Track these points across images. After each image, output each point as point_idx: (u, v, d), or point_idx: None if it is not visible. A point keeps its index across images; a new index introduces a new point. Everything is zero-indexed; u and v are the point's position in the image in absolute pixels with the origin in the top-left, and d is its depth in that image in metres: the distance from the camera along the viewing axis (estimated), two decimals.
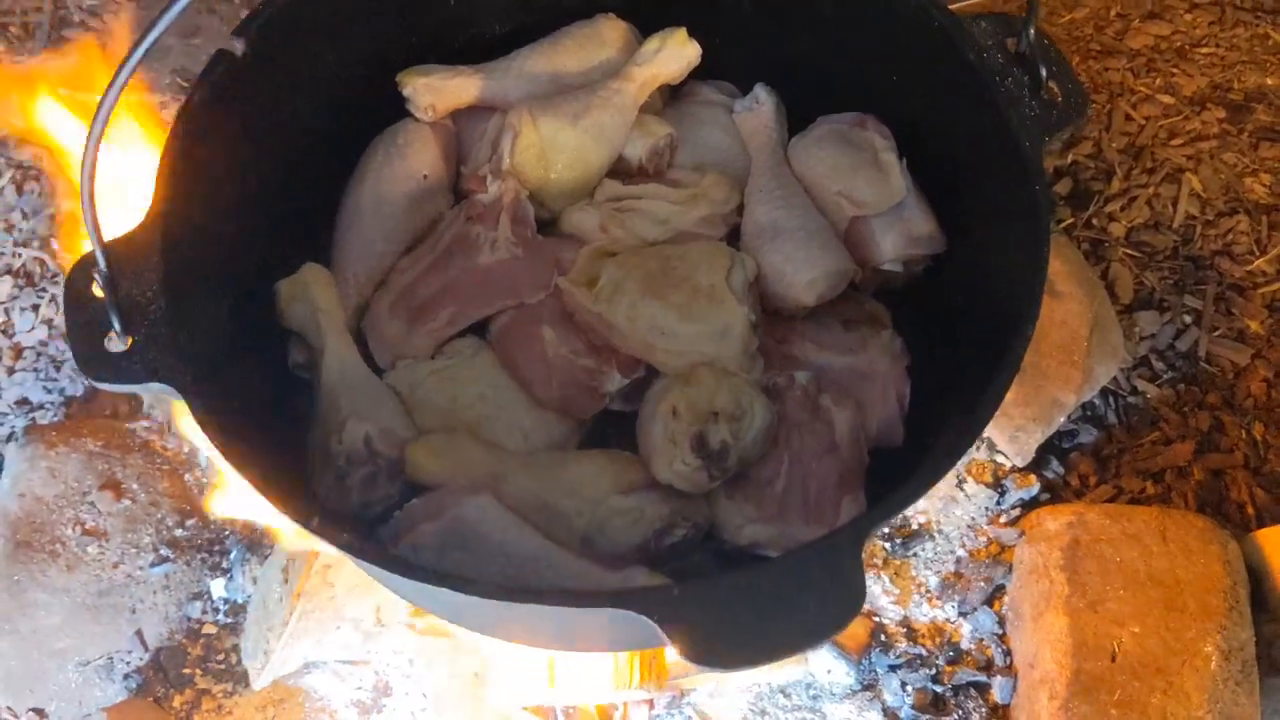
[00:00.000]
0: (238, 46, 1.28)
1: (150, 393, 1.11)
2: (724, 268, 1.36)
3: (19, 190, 2.25)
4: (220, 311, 1.29)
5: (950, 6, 1.34)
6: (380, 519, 1.29)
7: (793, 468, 1.33)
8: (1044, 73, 1.26)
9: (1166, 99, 2.35)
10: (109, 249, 1.11)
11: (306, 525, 1.07)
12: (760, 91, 1.55)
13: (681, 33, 1.50)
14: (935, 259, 1.46)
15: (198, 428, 1.10)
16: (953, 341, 1.33)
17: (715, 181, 1.50)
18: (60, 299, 2.11)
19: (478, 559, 1.20)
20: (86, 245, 1.85)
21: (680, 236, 1.46)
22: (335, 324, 1.39)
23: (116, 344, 1.14)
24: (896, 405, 1.41)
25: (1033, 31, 1.26)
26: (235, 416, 1.14)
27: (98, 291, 1.14)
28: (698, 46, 1.52)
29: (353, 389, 1.35)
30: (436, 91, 1.50)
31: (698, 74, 1.56)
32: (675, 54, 1.51)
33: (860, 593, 0.97)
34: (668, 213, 1.46)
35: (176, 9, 0.99)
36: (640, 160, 1.51)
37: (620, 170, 1.52)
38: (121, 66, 1.00)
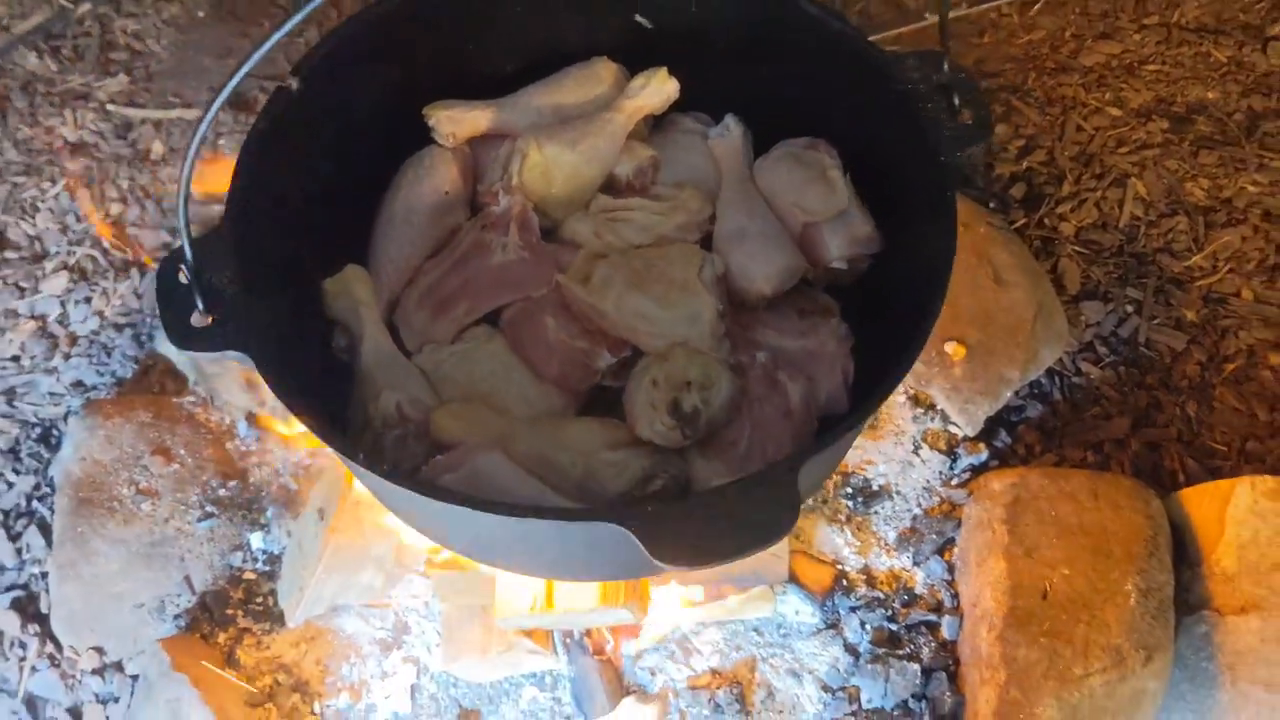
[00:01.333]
0: (293, 84, 1.41)
1: (227, 359, 1.23)
2: (696, 265, 1.49)
3: (72, 195, 2.40)
4: (280, 300, 1.41)
5: (873, 37, 1.52)
6: (409, 473, 1.40)
7: (754, 431, 1.44)
8: (957, 100, 1.39)
9: (1115, 111, 2.47)
10: (194, 245, 1.25)
11: (355, 460, 1.19)
12: (730, 120, 1.67)
13: (663, 72, 1.62)
14: (875, 258, 1.58)
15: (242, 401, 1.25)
16: (888, 325, 1.41)
17: (691, 195, 1.62)
18: (110, 293, 2.25)
19: None
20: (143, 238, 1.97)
21: (661, 240, 1.57)
22: (372, 315, 1.52)
23: (199, 321, 1.27)
24: (842, 379, 1.51)
25: (946, 66, 1.39)
26: (293, 381, 1.26)
27: (183, 279, 1.27)
28: (676, 83, 1.64)
29: (386, 368, 1.47)
30: (457, 122, 1.60)
31: (677, 106, 1.68)
32: (657, 90, 1.63)
33: (795, 509, 1.10)
34: (651, 221, 1.58)
35: (255, 57, 1.12)
36: (628, 178, 1.63)
37: (611, 186, 1.63)
38: (210, 105, 1.14)
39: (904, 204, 1.50)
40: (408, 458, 1.43)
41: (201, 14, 2.64)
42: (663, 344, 1.47)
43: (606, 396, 1.53)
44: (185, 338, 1.29)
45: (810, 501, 1.99)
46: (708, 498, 1.20)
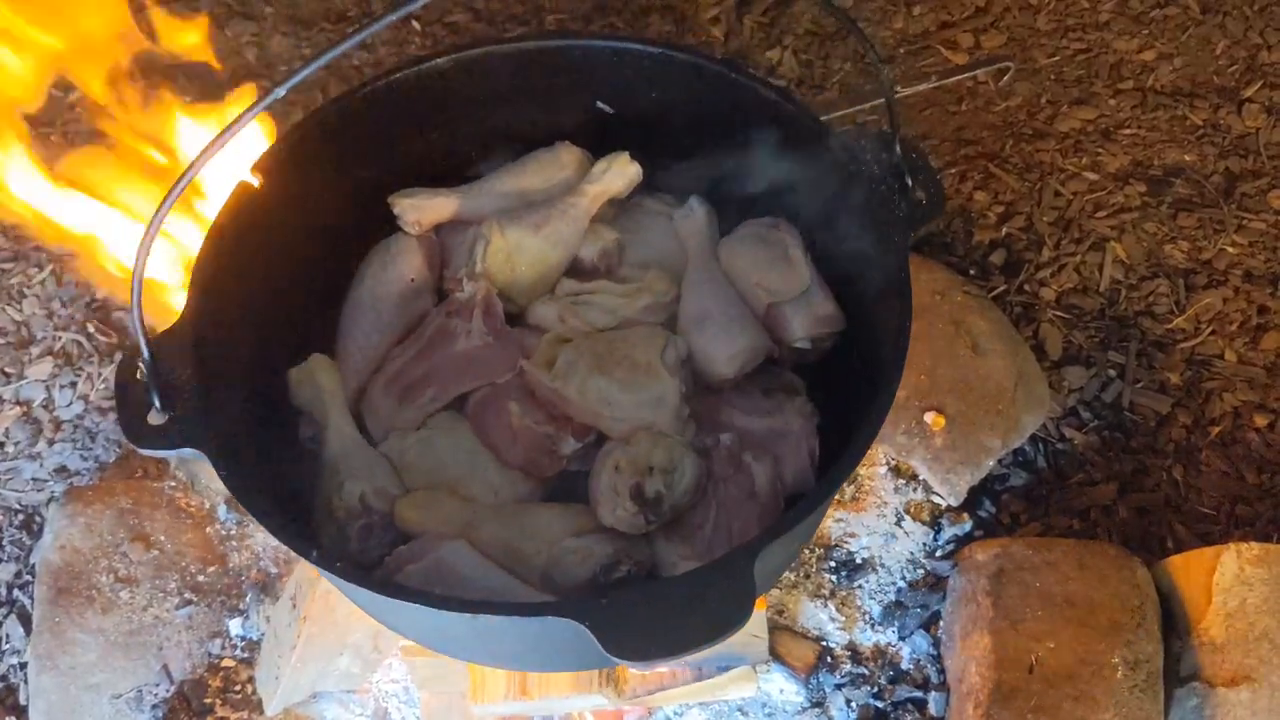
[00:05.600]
0: (255, 178, 1.43)
1: (183, 457, 1.26)
2: (659, 347, 1.49)
3: (59, 281, 2.40)
4: (242, 393, 1.41)
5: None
6: (375, 564, 1.41)
7: (719, 514, 1.43)
8: (909, 180, 1.42)
9: (1092, 176, 2.49)
10: (151, 343, 1.25)
11: (309, 558, 1.20)
12: (694, 202, 1.67)
13: (625, 156, 1.64)
14: (840, 335, 1.58)
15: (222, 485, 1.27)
16: (852, 403, 1.40)
17: (656, 277, 1.62)
18: (95, 378, 2.25)
19: (454, 593, 1.31)
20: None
21: (626, 323, 1.57)
22: (337, 404, 1.52)
23: (156, 418, 1.27)
24: (808, 458, 1.51)
25: (897, 148, 1.41)
26: (253, 477, 1.28)
27: (141, 376, 1.27)
28: (639, 167, 1.65)
29: (351, 456, 1.48)
30: (421, 209, 1.61)
31: (643, 188, 1.69)
32: (620, 173, 1.64)
33: (750, 599, 1.10)
34: (616, 304, 1.58)
35: (206, 159, 1.11)
36: (593, 261, 1.63)
37: (576, 270, 1.64)
38: (166, 197, 1.14)
39: (863, 283, 1.52)
40: (373, 548, 1.44)
41: (189, 99, 2.65)
42: (626, 428, 1.47)
43: (575, 481, 1.53)
44: (141, 436, 1.29)
45: (793, 576, 1.99)
46: (661, 590, 1.20)
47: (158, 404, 1.28)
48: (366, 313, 1.61)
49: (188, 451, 1.27)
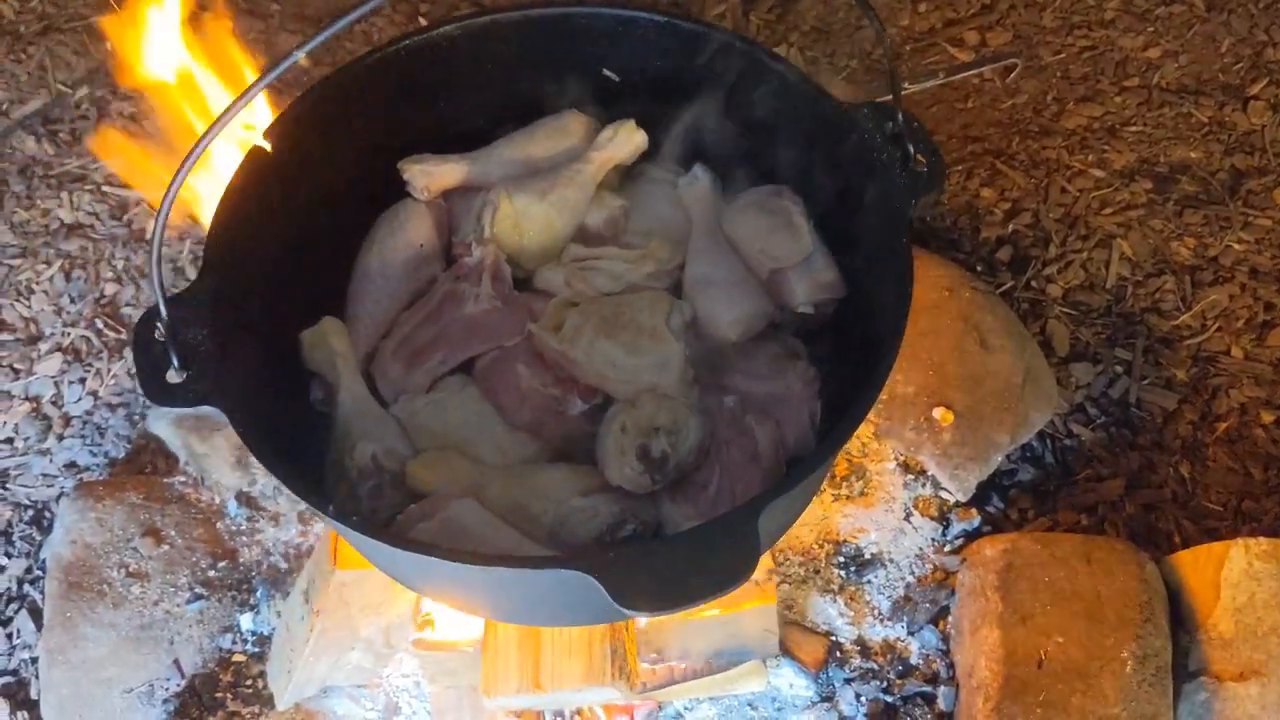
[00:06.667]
0: (266, 144, 1.44)
1: (201, 414, 1.28)
2: (664, 312, 1.50)
3: (67, 278, 2.41)
4: (256, 354, 1.43)
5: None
6: (386, 523, 1.41)
7: (722, 475, 1.44)
8: (912, 149, 1.42)
9: (1098, 173, 2.50)
10: (169, 303, 1.27)
11: (325, 512, 1.20)
12: (698, 170, 1.68)
13: (631, 124, 1.65)
14: (842, 301, 1.58)
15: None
16: (854, 368, 1.44)
17: (661, 244, 1.63)
18: (104, 373, 2.26)
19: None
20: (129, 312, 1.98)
21: (631, 288, 1.58)
22: (348, 366, 1.53)
23: (174, 377, 1.29)
24: (809, 422, 1.51)
25: (900, 116, 1.42)
26: (268, 435, 1.28)
27: (159, 336, 1.29)
28: (644, 134, 1.66)
29: (362, 418, 1.48)
30: (430, 175, 1.62)
31: (648, 156, 1.70)
32: (626, 140, 1.64)
33: (755, 554, 1.11)
34: (622, 270, 1.59)
35: (211, 135, 1.15)
36: (599, 228, 1.64)
37: (583, 236, 1.64)
38: (186, 159, 1.16)
39: (865, 250, 1.53)
40: (384, 507, 1.44)
41: None
42: (632, 390, 1.48)
43: (583, 443, 1.53)
44: (160, 393, 1.30)
45: (802, 571, 1.99)
46: (669, 543, 1.21)
47: (175, 362, 1.30)
48: (376, 278, 1.62)
49: (205, 408, 1.29)
